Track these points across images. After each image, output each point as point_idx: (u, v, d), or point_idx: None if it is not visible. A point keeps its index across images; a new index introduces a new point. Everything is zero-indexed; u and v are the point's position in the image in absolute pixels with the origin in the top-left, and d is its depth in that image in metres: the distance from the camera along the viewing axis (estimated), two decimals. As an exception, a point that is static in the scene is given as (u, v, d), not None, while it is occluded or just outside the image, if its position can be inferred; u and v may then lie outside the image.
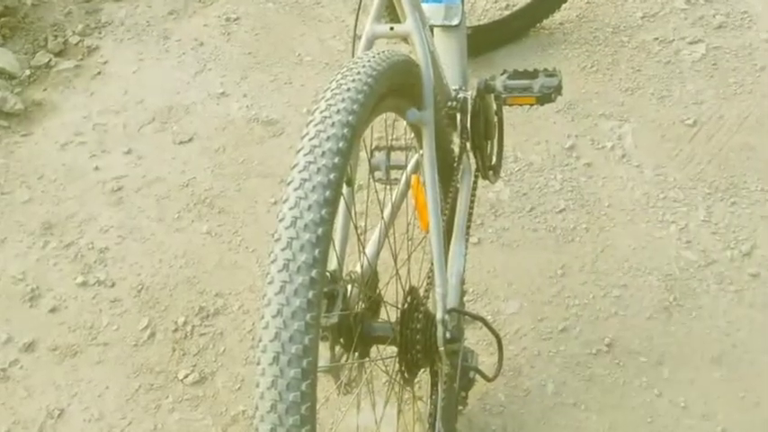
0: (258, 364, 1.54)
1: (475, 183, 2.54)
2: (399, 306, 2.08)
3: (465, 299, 2.54)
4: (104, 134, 3.60)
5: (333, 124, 1.66)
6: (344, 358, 1.94)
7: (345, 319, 1.89)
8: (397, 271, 2.13)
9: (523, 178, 3.26)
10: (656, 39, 3.73)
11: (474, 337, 2.73)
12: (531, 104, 2.59)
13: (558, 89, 2.56)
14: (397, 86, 1.93)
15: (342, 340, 1.91)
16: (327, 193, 1.59)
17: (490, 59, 3.68)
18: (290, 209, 1.58)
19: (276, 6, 4.10)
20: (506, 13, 3.90)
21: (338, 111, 1.68)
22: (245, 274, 3.06)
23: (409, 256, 2.25)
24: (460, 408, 2.47)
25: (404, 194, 2.26)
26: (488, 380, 2.27)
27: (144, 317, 2.98)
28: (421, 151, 2.09)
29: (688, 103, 3.47)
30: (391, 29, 2.07)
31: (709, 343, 2.77)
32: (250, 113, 3.61)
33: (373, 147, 2.11)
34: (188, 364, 2.85)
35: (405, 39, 2.13)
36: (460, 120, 2.39)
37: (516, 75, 2.59)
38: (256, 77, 3.77)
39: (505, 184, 3.23)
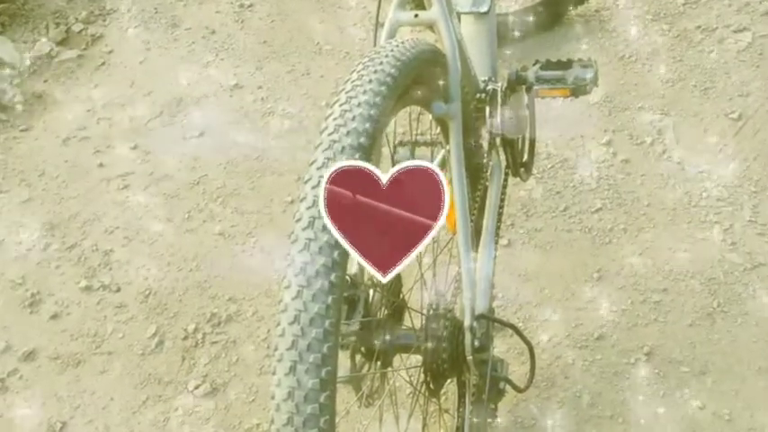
0: (274, 374, 1.54)
1: (505, 180, 2.54)
2: (424, 312, 2.08)
3: (494, 304, 2.54)
4: (109, 128, 3.61)
5: (353, 118, 1.65)
6: (366, 368, 1.95)
7: (367, 326, 1.89)
8: (422, 275, 2.13)
9: (557, 176, 3.26)
10: (699, 27, 3.72)
11: (504, 346, 2.74)
12: (565, 97, 2.59)
13: (593, 80, 2.56)
14: (421, 78, 1.92)
15: (363, 349, 1.91)
16: (348, 191, 1.59)
17: (521, 49, 3.67)
18: (308, 208, 1.58)
19: (293, -8, 4.11)
20: (539, -1, 3.91)
21: (359, 104, 1.67)
22: (259, 279, 3.06)
23: (435, 259, 2.25)
24: (490, 421, 2.46)
25: (429, 193, 2.25)
26: (520, 391, 2.27)
27: (151, 324, 2.99)
28: (447, 147, 2.09)
29: (733, 95, 3.46)
30: (416, 16, 2.06)
31: (755, 351, 2.76)
32: (265, 106, 3.62)
33: (397, 142, 2.10)
34: (198, 374, 2.86)
35: (430, 27, 2.12)
36: (490, 113, 2.39)
37: (549, 65, 2.59)
38: (272, 68, 3.78)
39: (537, 182, 3.23)
